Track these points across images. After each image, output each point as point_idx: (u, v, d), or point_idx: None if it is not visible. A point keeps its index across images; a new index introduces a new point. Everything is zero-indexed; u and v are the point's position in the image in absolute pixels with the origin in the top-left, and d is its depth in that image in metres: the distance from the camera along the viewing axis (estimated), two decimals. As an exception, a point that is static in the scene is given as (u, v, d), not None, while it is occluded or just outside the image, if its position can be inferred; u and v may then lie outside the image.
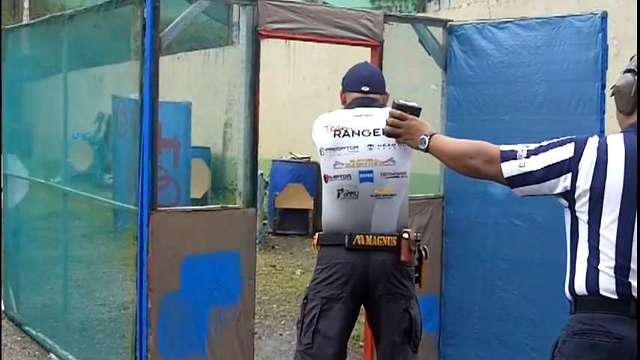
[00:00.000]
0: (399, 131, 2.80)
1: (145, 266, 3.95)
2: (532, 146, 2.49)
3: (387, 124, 2.82)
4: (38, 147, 6.42)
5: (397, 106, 2.84)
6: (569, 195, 2.42)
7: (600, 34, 4.20)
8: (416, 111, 2.85)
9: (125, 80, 6.12)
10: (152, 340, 3.99)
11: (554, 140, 2.48)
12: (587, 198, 2.38)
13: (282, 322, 6.50)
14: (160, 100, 3.97)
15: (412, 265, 3.60)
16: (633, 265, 2.32)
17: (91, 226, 5.76)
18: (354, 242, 3.48)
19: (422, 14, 10.00)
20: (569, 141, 2.45)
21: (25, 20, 17.77)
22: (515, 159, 2.48)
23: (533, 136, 4.27)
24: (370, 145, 3.50)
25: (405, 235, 3.52)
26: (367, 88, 3.67)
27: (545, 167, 2.44)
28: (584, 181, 2.38)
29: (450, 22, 4.89)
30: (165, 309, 4.01)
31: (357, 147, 3.49)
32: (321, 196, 3.73)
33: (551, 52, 4.40)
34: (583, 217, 2.40)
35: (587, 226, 2.39)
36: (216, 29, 20.34)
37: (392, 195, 3.54)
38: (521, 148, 2.50)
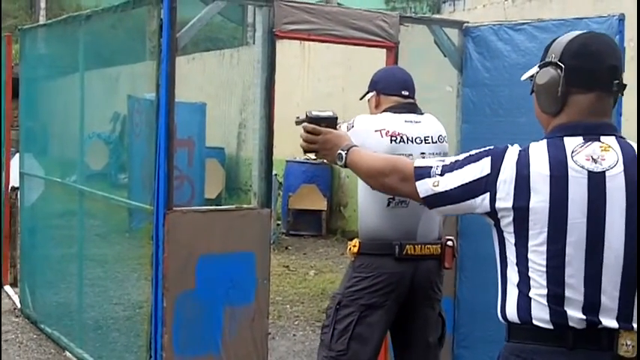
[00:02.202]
0: (315, 147, 2.54)
1: (160, 265, 3.97)
2: (448, 161, 2.25)
3: (302, 140, 2.56)
4: (54, 146, 6.45)
5: (310, 119, 2.56)
6: (492, 215, 2.14)
7: (617, 37, 4.18)
8: (332, 121, 2.58)
9: (141, 80, 6.14)
10: (167, 339, 4.00)
11: (471, 153, 2.21)
12: (510, 219, 2.09)
13: (296, 323, 6.51)
14: (175, 100, 3.99)
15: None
16: (568, 293, 2.03)
17: (106, 225, 5.79)
18: (404, 252, 3.45)
19: (437, 16, 9.99)
20: (485, 154, 2.16)
21: (42, 20, 17.88)
22: (430, 177, 2.23)
23: (549, 138, 4.24)
24: (423, 153, 3.47)
25: (450, 243, 3.55)
26: (407, 92, 3.64)
27: (459, 186, 2.17)
28: (505, 200, 2.09)
29: (465, 24, 4.88)
30: (180, 308, 4.03)
31: (412, 155, 3.41)
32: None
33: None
34: (510, 237, 2.12)
35: (514, 248, 2.11)
36: (230, 30, 20.41)
37: None
38: (436, 164, 2.24)
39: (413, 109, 3.61)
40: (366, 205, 3.54)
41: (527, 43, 4.56)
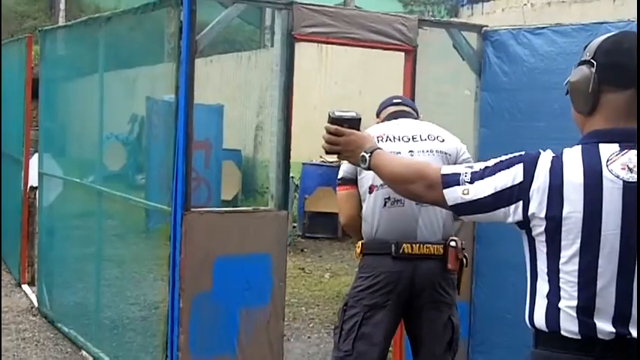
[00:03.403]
0: (337, 148, 2.47)
1: (177, 266, 3.99)
2: (477, 167, 2.16)
3: (324, 141, 2.51)
4: (73, 146, 6.50)
5: (332, 120, 2.49)
6: (524, 224, 2.08)
7: (637, 41, 4.16)
8: (355, 122, 2.51)
9: (159, 82, 6.18)
10: (183, 340, 4.02)
11: (502, 159, 2.13)
12: (542, 228, 2.03)
13: (311, 325, 6.51)
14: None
15: (456, 273, 3.61)
16: (599, 305, 2.00)
17: (123, 226, 5.82)
18: (400, 251, 3.46)
19: (456, 19, 9.98)
20: (518, 161, 2.08)
21: (61, 21, 17.99)
22: (459, 184, 2.14)
23: (568, 143, 4.24)
24: (411, 151, 3.49)
25: (452, 244, 3.53)
26: (399, 100, 3.77)
27: (491, 195, 2.09)
28: (538, 209, 2.03)
29: (484, 28, 4.87)
30: (196, 309, 4.04)
31: (400, 153, 3.44)
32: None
33: (588, 59, 4.36)
34: (541, 247, 2.06)
35: (545, 257, 2.06)
36: (248, 32, 20.46)
37: None
38: (464, 171, 2.16)
39: (404, 115, 3.69)
40: (365, 206, 3.57)
41: (546, 48, 4.54)
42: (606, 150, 2.03)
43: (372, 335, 3.47)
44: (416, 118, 3.72)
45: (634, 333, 2.01)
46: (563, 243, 2.02)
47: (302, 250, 9.86)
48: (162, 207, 4.32)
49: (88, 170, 5.77)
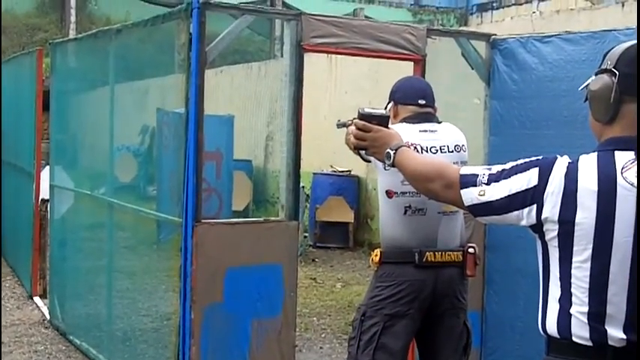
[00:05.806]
0: (364, 144, 2.55)
1: (188, 277, 4.00)
2: (494, 169, 2.19)
3: (352, 136, 2.58)
4: (84, 158, 6.52)
5: (361, 116, 2.57)
6: (537, 227, 2.10)
7: (647, 49, 4.15)
8: (383, 120, 2.58)
9: (170, 93, 6.19)
10: (195, 351, 4.02)
11: (519, 163, 2.16)
12: (555, 233, 2.06)
13: (323, 335, 6.51)
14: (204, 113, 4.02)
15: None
16: (610, 311, 2.02)
17: (134, 238, 5.83)
18: (424, 259, 3.45)
19: (465, 28, 9.99)
20: (534, 165, 2.11)
21: (72, 33, 18.08)
22: (475, 185, 2.18)
23: (577, 151, 4.24)
24: None
25: (471, 250, 3.54)
26: (424, 101, 3.60)
27: (506, 197, 2.12)
28: (552, 213, 2.05)
29: (493, 36, 4.87)
30: (208, 320, 4.05)
31: None
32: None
33: (596, 66, 4.35)
34: (554, 251, 2.08)
35: (557, 262, 2.08)
36: (258, 43, 20.51)
37: (456, 212, 3.53)
38: (482, 172, 2.20)
39: (429, 118, 3.59)
40: (384, 214, 3.55)
41: (555, 56, 4.54)
42: (622, 158, 2.05)
43: (393, 345, 3.45)
44: (434, 116, 3.64)
45: None
46: (575, 248, 2.03)
47: (313, 260, 9.85)
48: (173, 218, 4.32)
49: (99, 182, 5.78)
